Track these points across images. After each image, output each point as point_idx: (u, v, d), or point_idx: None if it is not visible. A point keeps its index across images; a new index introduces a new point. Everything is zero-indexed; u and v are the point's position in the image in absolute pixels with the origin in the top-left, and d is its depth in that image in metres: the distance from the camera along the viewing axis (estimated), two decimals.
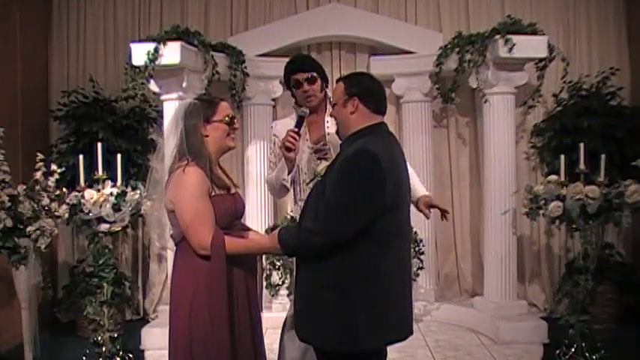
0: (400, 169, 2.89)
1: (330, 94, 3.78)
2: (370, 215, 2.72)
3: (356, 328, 2.74)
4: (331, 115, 3.05)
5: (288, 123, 3.80)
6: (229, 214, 3.07)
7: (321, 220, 2.74)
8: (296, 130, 3.49)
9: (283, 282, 6.14)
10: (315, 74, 3.73)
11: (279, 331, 3.94)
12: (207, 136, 3.04)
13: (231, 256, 2.92)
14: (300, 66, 3.78)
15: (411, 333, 2.98)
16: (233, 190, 3.17)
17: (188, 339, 2.91)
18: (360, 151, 2.75)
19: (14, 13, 6.20)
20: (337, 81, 3.07)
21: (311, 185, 3.54)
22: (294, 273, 3.11)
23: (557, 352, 5.27)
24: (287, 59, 3.92)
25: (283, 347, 3.85)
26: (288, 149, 3.49)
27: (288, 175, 3.63)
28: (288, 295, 6.08)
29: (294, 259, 3.09)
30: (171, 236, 3.10)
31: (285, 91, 5.39)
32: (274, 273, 6.11)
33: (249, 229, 3.29)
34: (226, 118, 3.09)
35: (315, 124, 3.80)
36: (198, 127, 3.02)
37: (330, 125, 3.71)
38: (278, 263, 6.08)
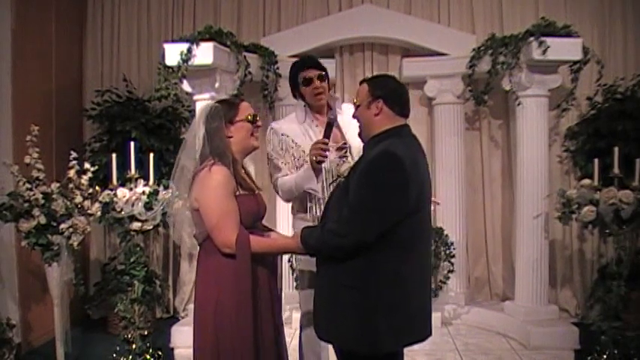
0: (423, 171, 2.88)
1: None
2: (393, 218, 2.71)
3: (376, 330, 2.74)
4: (353, 117, 3.04)
5: (292, 123, 3.83)
6: (252, 214, 3.08)
7: (344, 221, 2.74)
8: (326, 141, 3.46)
9: None
10: (325, 73, 3.80)
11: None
12: (231, 137, 3.05)
13: (254, 255, 2.93)
14: (312, 63, 3.83)
15: (430, 333, 2.98)
16: (256, 192, 3.19)
17: (214, 337, 2.92)
18: (383, 153, 2.74)
19: (49, 13, 6.30)
20: (361, 83, 3.06)
21: (333, 185, 3.53)
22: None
23: (589, 358, 5.20)
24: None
25: (302, 344, 3.87)
26: (320, 162, 3.49)
27: (318, 183, 3.60)
28: None
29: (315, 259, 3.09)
30: (195, 236, 3.11)
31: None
32: None
33: (270, 230, 3.31)
34: (249, 117, 3.10)
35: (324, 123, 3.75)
36: (221, 130, 3.02)
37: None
38: None
